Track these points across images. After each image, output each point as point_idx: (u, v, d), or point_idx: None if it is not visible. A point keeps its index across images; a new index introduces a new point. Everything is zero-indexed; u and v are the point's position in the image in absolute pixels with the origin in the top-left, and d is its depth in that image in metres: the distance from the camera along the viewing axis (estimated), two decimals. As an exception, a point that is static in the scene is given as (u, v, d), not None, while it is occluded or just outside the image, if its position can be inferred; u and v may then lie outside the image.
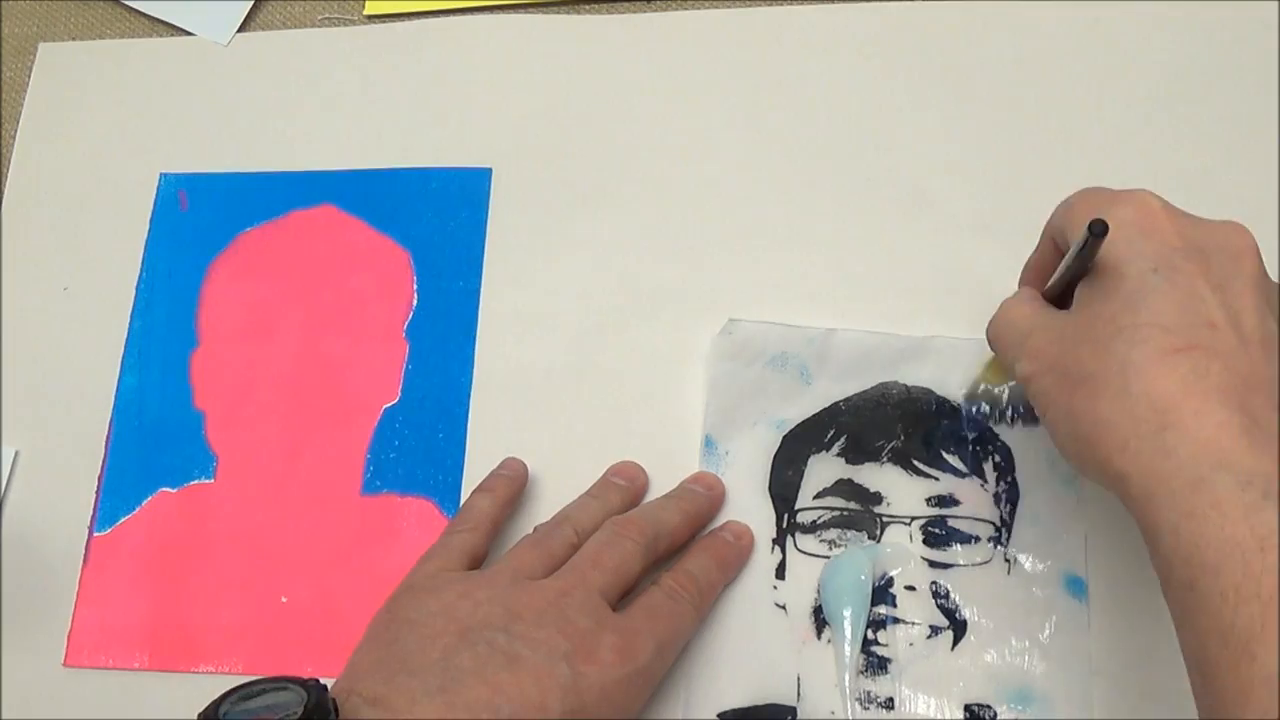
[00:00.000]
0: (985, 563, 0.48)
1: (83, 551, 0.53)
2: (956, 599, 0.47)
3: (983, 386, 0.50)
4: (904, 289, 0.53)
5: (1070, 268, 0.41)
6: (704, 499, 0.49)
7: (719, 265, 0.54)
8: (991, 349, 0.45)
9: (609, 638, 0.43)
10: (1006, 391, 0.49)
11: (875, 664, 0.46)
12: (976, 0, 0.58)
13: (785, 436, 0.50)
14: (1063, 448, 0.41)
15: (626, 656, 0.42)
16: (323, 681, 0.41)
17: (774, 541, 0.49)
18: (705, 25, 0.59)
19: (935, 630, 0.47)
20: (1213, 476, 0.35)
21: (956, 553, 0.48)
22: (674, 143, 0.57)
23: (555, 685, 0.41)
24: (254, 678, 0.42)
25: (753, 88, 0.58)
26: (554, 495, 0.51)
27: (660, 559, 0.47)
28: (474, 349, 0.54)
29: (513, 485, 0.50)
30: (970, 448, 0.49)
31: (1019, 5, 0.57)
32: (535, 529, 0.49)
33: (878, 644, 0.47)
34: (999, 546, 0.48)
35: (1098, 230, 0.38)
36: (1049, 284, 0.43)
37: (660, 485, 0.51)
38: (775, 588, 0.48)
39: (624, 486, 0.50)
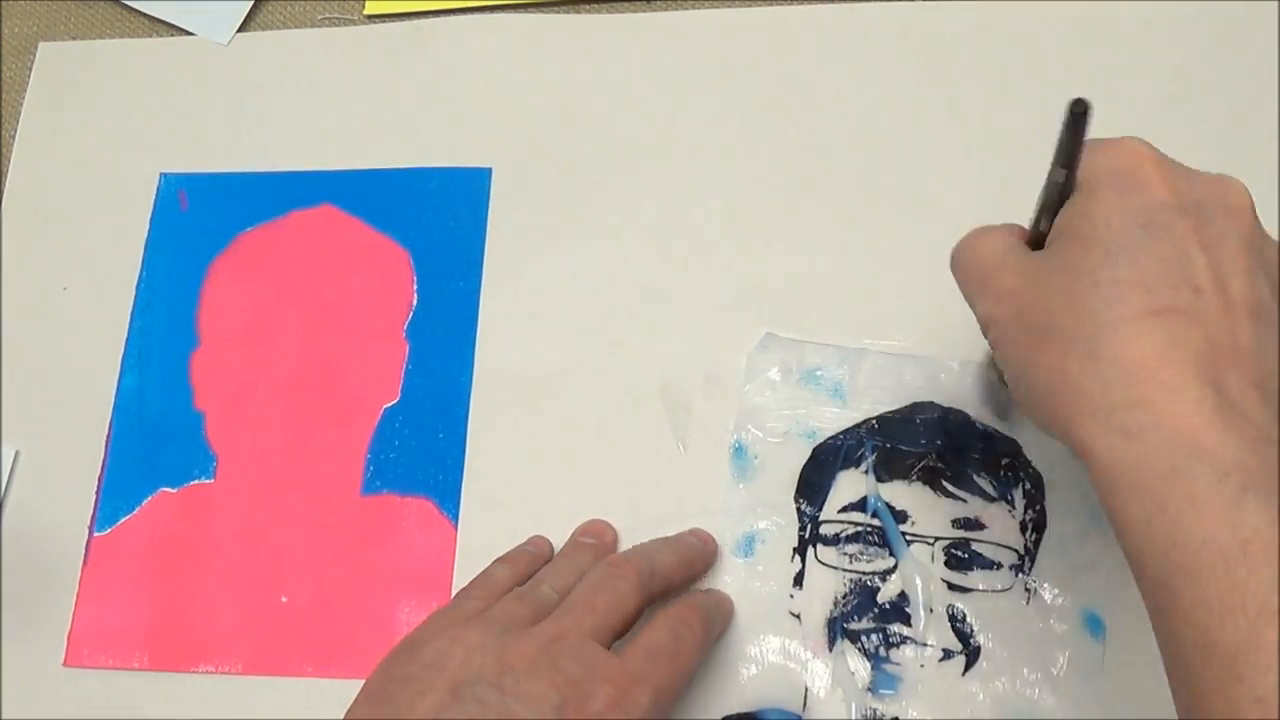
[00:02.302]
0: (1005, 590, 0.47)
1: (83, 551, 0.53)
2: (973, 624, 0.47)
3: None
4: (904, 289, 0.53)
5: (1051, 181, 0.37)
6: (699, 547, 0.48)
7: (719, 264, 0.54)
8: (952, 272, 0.42)
9: (603, 689, 0.40)
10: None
11: (885, 683, 0.46)
12: (976, 0, 0.58)
13: (816, 449, 0.50)
14: (1022, 404, 0.38)
15: (620, 708, 0.40)
16: None
17: (795, 550, 0.49)
18: (705, 25, 0.59)
19: (948, 654, 0.46)
20: (1187, 465, 0.32)
21: (977, 577, 0.47)
22: (674, 142, 0.57)
23: None
24: None
25: (753, 88, 0.58)
26: (554, 496, 0.51)
27: (655, 598, 0.46)
28: (474, 349, 0.54)
29: (535, 563, 0.48)
30: (1002, 473, 0.49)
31: (1019, 5, 0.57)
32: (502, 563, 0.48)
33: (889, 662, 0.46)
34: (1020, 575, 0.47)
35: (1079, 110, 0.34)
36: (1030, 220, 0.40)
37: (657, 484, 0.51)
38: (791, 596, 0.48)
39: (593, 545, 0.49)
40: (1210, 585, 0.31)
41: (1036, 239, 0.39)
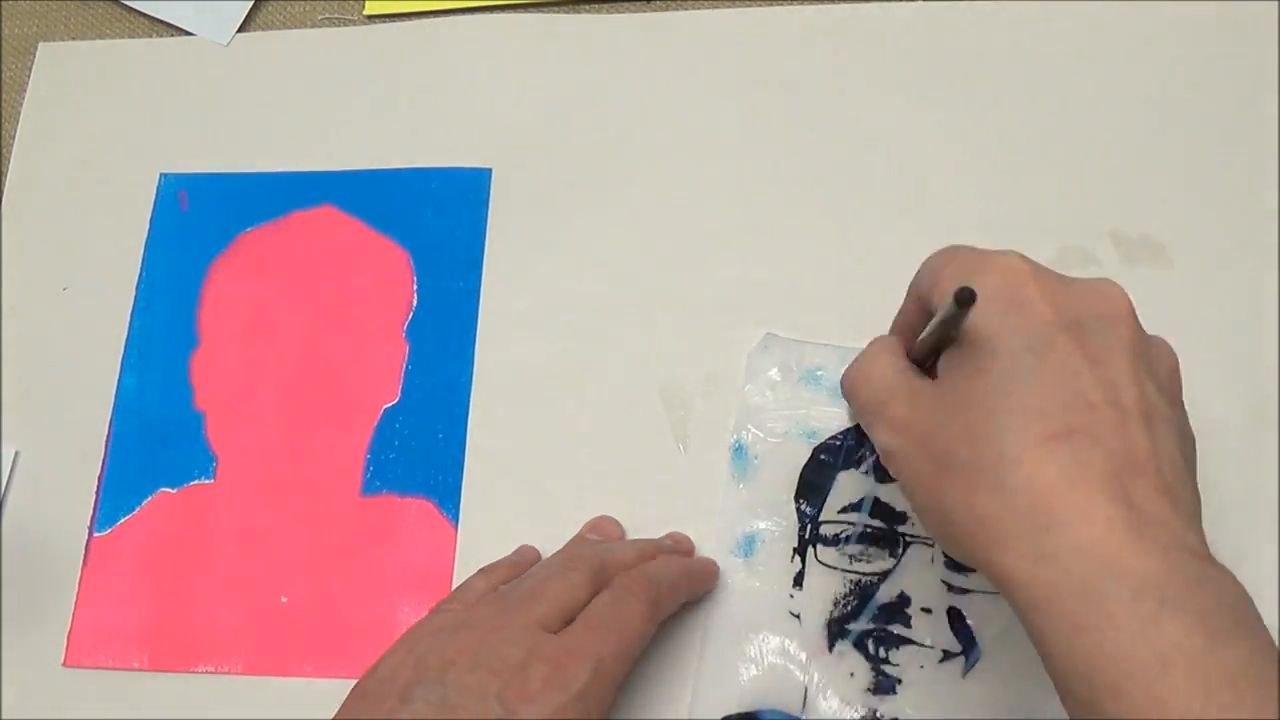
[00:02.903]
0: None
1: (83, 551, 0.53)
2: (973, 625, 0.47)
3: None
4: (904, 289, 0.53)
5: (935, 334, 0.38)
6: (668, 546, 0.48)
7: (719, 264, 0.54)
8: (846, 399, 0.42)
9: (539, 667, 0.40)
10: None
11: (884, 684, 0.46)
12: (977, 0, 0.58)
13: (816, 449, 0.50)
14: (934, 534, 0.38)
15: (557, 685, 0.40)
16: None
17: (795, 550, 0.49)
18: (705, 25, 0.59)
19: (948, 655, 0.46)
20: (1103, 586, 0.32)
21: (977, 578, 0.47)
22: (674, 142, 0.57)
23: None
24: None
25: (753, 88, 0.58)
26: (554, 496, 0.51)
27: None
28: (474, 349, 0.54)
29: (515, 571, 0.48)
30: None
31: (1019, 5, 0.57)
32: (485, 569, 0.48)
33: (889, 663, 0.46)
34: None
35: (964, 299, 0.35)
36: (915, 346, 0.40)
37: (656, 484, 0.51)
38: (792, 596, 0.48)
39: (596, 541, 0.49)
40: (1133, 702, 0.32)
41: (923, 358, 0.40)
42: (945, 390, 0.38)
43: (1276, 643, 0.33)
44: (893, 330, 0.43)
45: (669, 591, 0.46)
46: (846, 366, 0.42)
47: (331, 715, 0.42)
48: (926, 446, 0.37)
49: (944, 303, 0.36)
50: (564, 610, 0.43)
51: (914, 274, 0.41)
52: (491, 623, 0.42)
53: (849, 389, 0.42)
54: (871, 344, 0.42)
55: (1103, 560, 0.33)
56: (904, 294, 0.52)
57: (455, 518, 0.52)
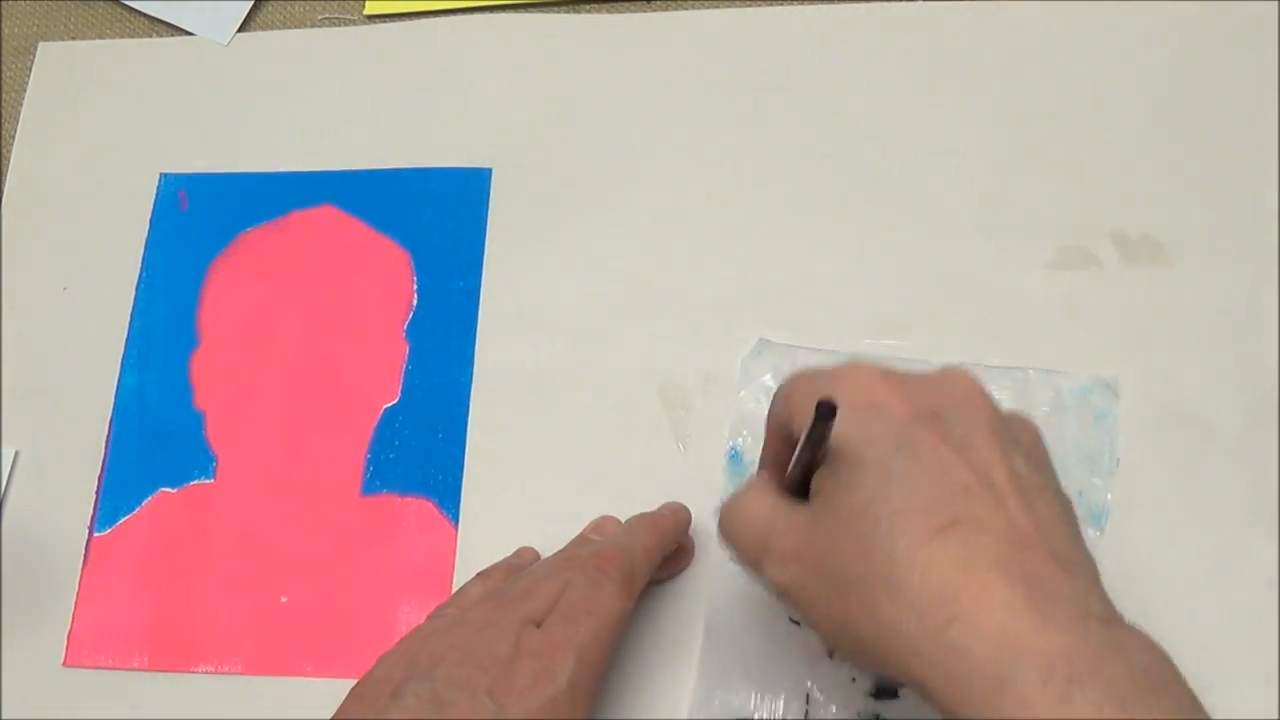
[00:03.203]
0: None
1: (83, 551, 0.53)
2: None
3: None
4: (904, 289, 0.53)
5: (804, 456, 0.38)
6: (667, 517, 0.48)
7: (719, 264, 0.54)
8: (726, 545, 0.41)
9: (525, 662, 0.40)
10: None
11: (887, 688, 0.46)
12: (976, 0, 0.58)
13: None
14: (845, 655, 0.38)
15: (543, 679, 0.40)
16: None
17: None
18: (705, 25, 0.59)
19: None
20: (1013, 674, 0.32)
21: None
22: (674, 143, 0.57)
23: None
24: None
25: (753, 88, 0.58)
26: (554, 496, 0.51)
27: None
28: (474, 349, 0.54)
29: (512, 574, 0.48)
30: None
31: (1019, 5, 0.57)
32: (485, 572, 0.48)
33: None
34: None
35: (825, 411, 0.35)
36: (787, 475, 0.40)
37: (655, 480, 0.50)
38: None
39: (597, 541, 0.48)
40: None
41: (796, 485, 0.39)
42: (823, 510, 0.37)
43: (1193, 695, 0.33)
44: (760, 468, 0.43)
45: (643, 557, 0.45)
46: (719, 515, 0.41)
47: (331, 715, 0.42)
48: (819, 571, 0.37)
49: (805, 422, 0.36)
50: (554, 606, 0.43)
51: (769, 409, 0.41)
52: (483, 620, 0.42)
53: (729, 535, 0.41)
54: (740, 487, 0.41)
55: (1009, 645, 0.33)
56: (903, 293, 0.53)
57: (455, 518, 0.52)
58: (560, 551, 0.48)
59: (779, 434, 0.41)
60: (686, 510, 0.49)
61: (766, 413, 0.41)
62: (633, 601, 0.44)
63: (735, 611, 0.48)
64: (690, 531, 0.49)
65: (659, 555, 0.47)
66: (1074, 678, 0.32)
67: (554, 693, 0.40)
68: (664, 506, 0.49)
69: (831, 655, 0.47)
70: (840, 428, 0.36)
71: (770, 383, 0.51)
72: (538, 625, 0.42)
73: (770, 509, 0.39)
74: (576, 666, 0.41)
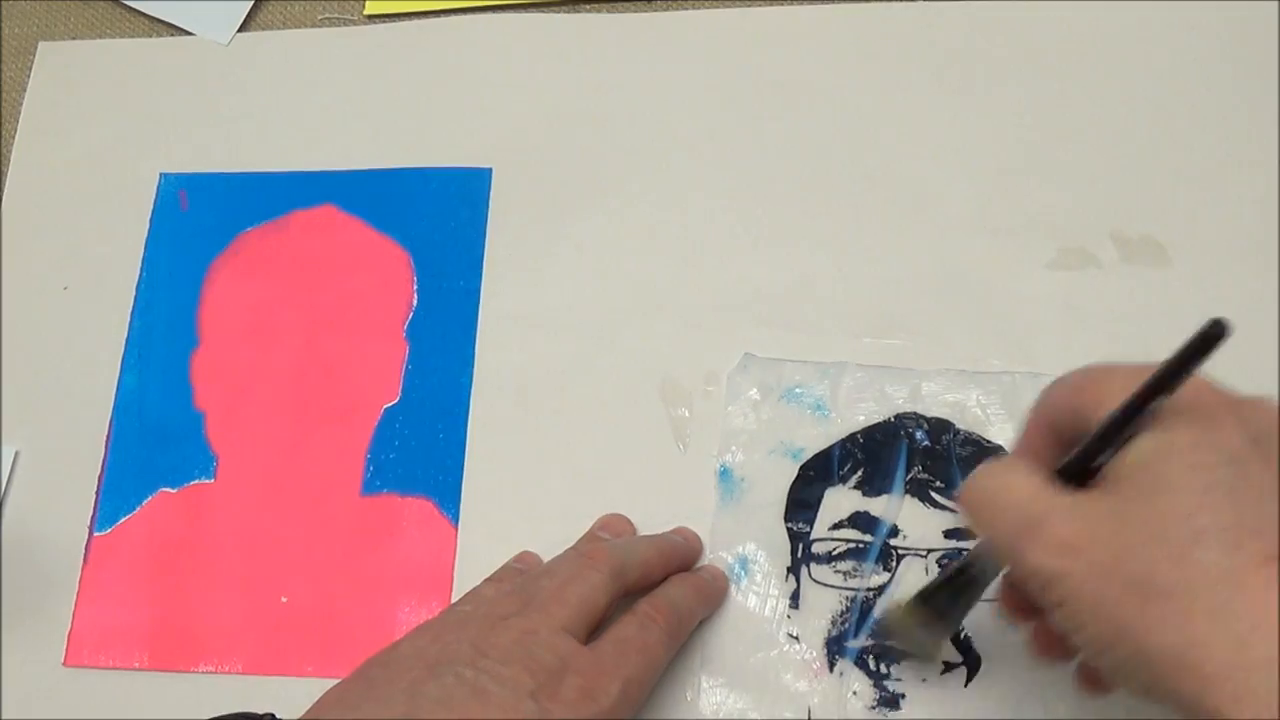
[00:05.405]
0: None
1: (83, 551, 0.53)
2: (971, 635, 0.46)
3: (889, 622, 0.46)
4: (903, 289, 0.53)
5: (1109, 432, 0.35)
6: (680, 543, 0.48)
7: (719, 264, 0.54)
8: (971, 525, 0.38)
9: (573, 678, 0.41)
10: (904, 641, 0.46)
11: (887, 699, 0.46)
12: (977, 0, 0.58)
13: (801, 468, 0.50)
14: (1113, 668, 0.34)
15: (590, 697, 0.41)
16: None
17: (789, 570, 0.48)
18: (705, 25, 0.59)
19: (949, 666, 0.46)
20: None
21: None
22: (674, 143, 0.57)
23: None
24: (221, 714, 0.43)
25: (753, 88, 0.58)
26: (554, 496, 0.51)
27: (631, 590, 0.45)
28: (474, 349, 0.54)
29: (521, 580, 0.47)
30: None
31: (1019, 5, 0.57)
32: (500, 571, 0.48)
33: (890, 678, 0.46)
34: None
35: (1218, 330, 0.33)
36: (1065, 459, 0.36)
37: (656, 484, 0.51)
38: (789, 617, 0.48)
39: (607, 540, 0.48)
40: None
41: (1076, 471, 0.36)
42: (1127, 505, 0.34)
43: None
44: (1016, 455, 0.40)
45: (688, 617, 0.46)
46: (962, 490, 0.38)
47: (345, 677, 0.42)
48: (1111, 569, 0.33)
49: (1105, 412, 0.34)
50: (586, 615, 0.43)
51: (1037, 400, 0.39)
52: (522, 624, 0.42)
53: (980, 513, 0.37)
54: (989, 463, 0.38)
55: None
56: (903, 293, 0.53)
57: (455, 517, 0.52)
58: (575, 548, 0.48)
59: (1049, 425, 0.38)
60: (725, 579, 0.48)
61: (1034, 403, 0.39)
62: (672, 655, 0.45)
63: (733, 635, 0.48)
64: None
65: (698, 620, 0.47)
66: None
67: (596, 712, 0.41)
68: (705, 570, 0.48)
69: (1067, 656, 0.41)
70: (1171, 430, 0.34)
71: (756, 397, 0.51)
72: (574, 635, 0.42)
73: (1038, 488, 0.36)
74: (620, 696, 0.41)
